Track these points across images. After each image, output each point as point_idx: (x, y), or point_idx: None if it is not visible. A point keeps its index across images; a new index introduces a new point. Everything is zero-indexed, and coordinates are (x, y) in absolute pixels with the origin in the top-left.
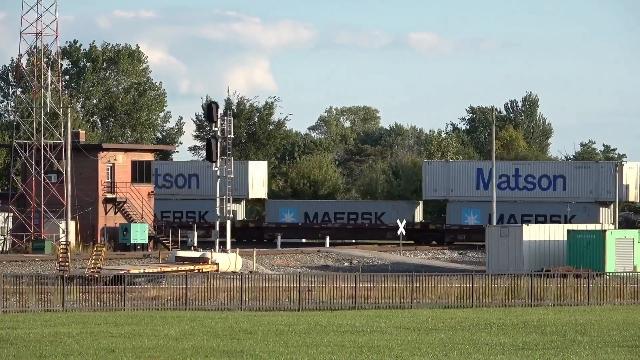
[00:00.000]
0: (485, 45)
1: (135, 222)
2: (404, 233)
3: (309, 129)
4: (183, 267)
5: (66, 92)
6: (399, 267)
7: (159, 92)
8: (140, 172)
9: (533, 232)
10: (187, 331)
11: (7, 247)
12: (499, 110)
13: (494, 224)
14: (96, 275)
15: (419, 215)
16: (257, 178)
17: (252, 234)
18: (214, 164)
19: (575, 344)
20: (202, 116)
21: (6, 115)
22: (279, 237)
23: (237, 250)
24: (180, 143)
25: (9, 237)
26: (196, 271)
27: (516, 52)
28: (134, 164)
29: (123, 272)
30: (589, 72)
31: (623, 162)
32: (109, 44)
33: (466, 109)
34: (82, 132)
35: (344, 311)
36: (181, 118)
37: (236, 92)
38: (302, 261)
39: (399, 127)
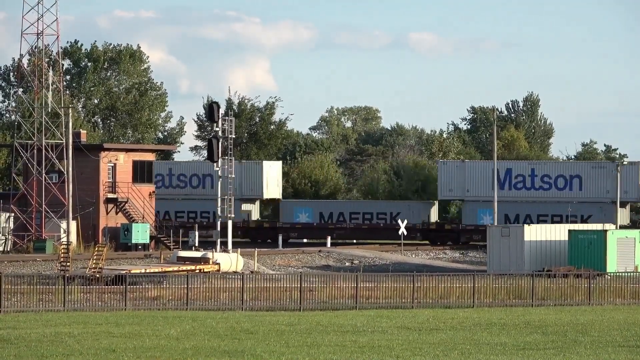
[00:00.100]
0: (485, 45)
1: (137, 222)
2: (405, 233)
3: (310, 129)
4: (184, 267)
5: (67, 92)
6: (400, 267)
7: (160, 92)
8: (141, 172)
9: (534, 232)
10: (188, 331)
11: (8, 247)
12: (500, 110)
13: (495, 223)
14: (97, 275)
15: (434, 216)
16: (272, 178)
17: (266, 234)
18: (214, 164)
19: (576, 344)
20: (203, 116)
21: (7, 115)
22: (280, 237)
23: (239, 250)
24: (182, 143)
25: (10, 237)
26: (197, 271)
27: (516, 52)
28: (135, 164)
29: (124, 272)
30: (589, 72)
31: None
32: (110, 44)
33: (467, 109)
34: (83, 132)
35: (345, 311)
36: (182, 118)
37: (237, 92)
38: (304, 261)
39: (400, 127)
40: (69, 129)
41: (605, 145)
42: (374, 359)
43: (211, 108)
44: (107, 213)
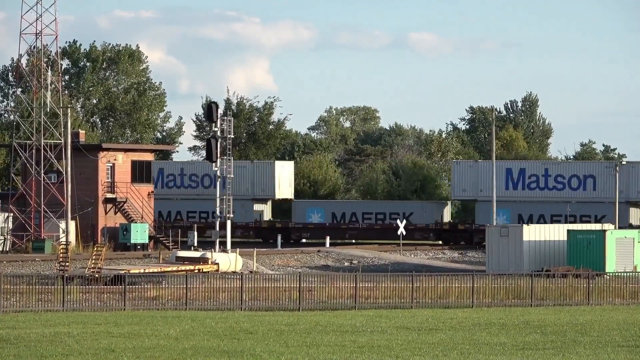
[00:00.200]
0: (485, 45)
1: (136, 222)
2: (404, 233)
3: (308, 129)
4: (183, 267)
5: (66, 92)
6: (399, 267)
7: (158, 92)
8: (140, 172)
9: (533, 232)
10: (188, 331)
11: (7, 247)
12: (498, 110)
13: (493, 223)
14: (96, 275)
15: (447, 216)
16: (284, 178)
17: (278, 235)
18: (214, 164)
19: (575, 344)
20: (202, 116)
21: (6, 115)
22: (279, 237)
23: (237, 250)
24: (180, 143)
25: (9, 237)
26: (196, 271)
27: (516, 52)
28: (134, 164)
29: (123, 272)
30: (588, 72)
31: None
32: (109, 44)
33: (466, 109)
34: (82, 132)
35: (344, 311)
36: (181, 118)
37: (236, 92)
38: (302, 261)
39: (398, 127)
40: (67, 129)
41: (604, 145)
42: (373, 359)
43: (210, 108)
44: (106, 213)
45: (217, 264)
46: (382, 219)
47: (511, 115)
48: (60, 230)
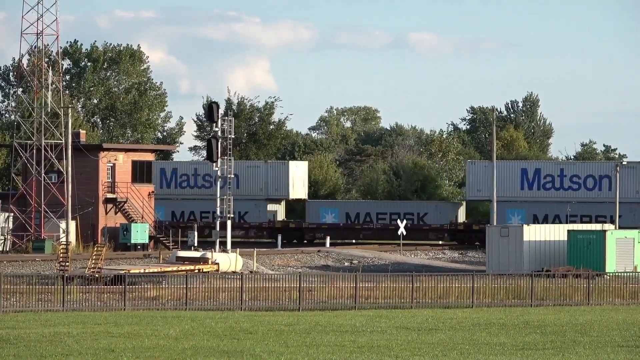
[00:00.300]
0: (485, 45)
1: (136, 222)
2: (404, 233)
3: (309, 129)
4: (183, 267)
5: (67, 92)
6: (399, 267)
7: (159, 92)
8: (140, 172)
9: (533, 232)
10: (188, 331)
11: (7, 247)
12: (499, 110)
13: (494, 224)
14: (96, 275)
15: (462, 216)
16: (298, 178)
17: (292, 235)
18: (214, 164)
19: (575, 344)
20: (203, 116)
21: (7, 115)
22: (279, 237)
23: (238, 250)
24: (181, 143)
25: (9, 237)
26: (196, 271)
27: (516, 52)
28: (135, 164)
29: (123, 272)
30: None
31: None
32: (110, 44)
33: (467, 109)
34: (82, 132)
35: (344, 311)
36: (182, 118)
37: (236, 92)
38: (303, 261)
39: (399, 127)
40: (68, 129)
41: (604, 145)
42: (373, 359)
43: (210, 108)
44: (106, 213)
45: (217, 264)
46: (396, 220)
47: (512, 115)
48: (61, 230)
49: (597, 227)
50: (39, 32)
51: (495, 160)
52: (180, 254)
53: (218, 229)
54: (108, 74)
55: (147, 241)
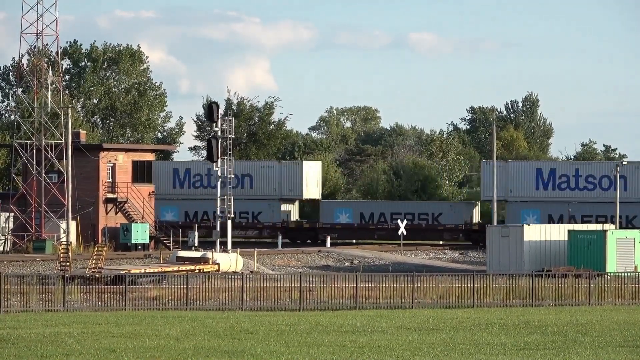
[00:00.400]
0: (485, 45)
1: (136, 222)
2: (405, 233)
3: (309, 129)
4: (184, 267)
5: (67, 92)
6: (400, 267)
7: (159, 92)
8: (140, 172)
9: (534, 232)
10: (188, 331)
11: (8, 247)
12: (499, 110)
13: (495, 224)
14: (97, 275)
15: (476, 216)
16: (312, 178)
17: (306, 235)
18: (214, 164)
19: (576, 344)
20: (203, 116)
21: (7, 115)
22: (279, 237)
23: (238, 250)
24: (181, 143)
25: (9, 237)
26: (197, 271)
27: (516, 52)
28: (135, 164)
29: (124, 272)
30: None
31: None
32: (110, 44)
33: (467, 109)
34: (82, 132)
35: (345, 311)
36: (181, 118)
37: (237, 92)
38: (303, 261)
39: (399, 127)
40: (68, 129)
41: (604, 145)
42: (374, 359)
43: (210, 108)
44: (107, 213)
45: (218, 264)
46: (410, 220)
47: (512, 115)
48: (61, 230)
49: (597, 227)
50: (38, 32)
51: (510, 160)
52: (180, 254)
53: (218, 228)
54: (108, 74)
55: (147, 241)
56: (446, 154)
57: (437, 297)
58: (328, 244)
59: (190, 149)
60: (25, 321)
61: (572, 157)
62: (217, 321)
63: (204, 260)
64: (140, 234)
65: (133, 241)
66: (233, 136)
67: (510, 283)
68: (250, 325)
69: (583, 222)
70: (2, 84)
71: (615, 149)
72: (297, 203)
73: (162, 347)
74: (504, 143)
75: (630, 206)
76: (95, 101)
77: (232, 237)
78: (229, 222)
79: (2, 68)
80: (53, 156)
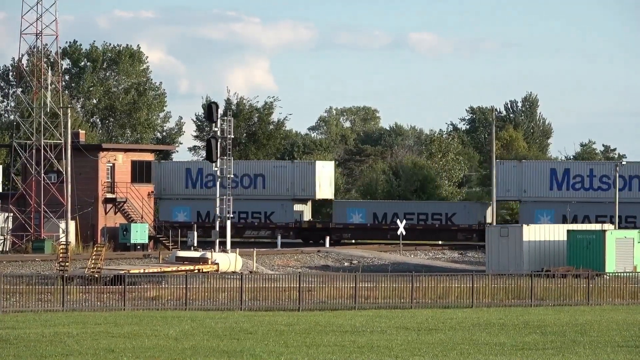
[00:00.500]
0: (485, 45)
1: (135, 222)
2: (404, 233)
3: (308, 129)
4: (183, 267)
5: (66, 92)
6: (399, 267)
7: (158, 92)
8: (140, 172)
9: (533, 232)
10: (187, 331)
11: (7, 247)
12: (498, 110)
13: (494, 223)
14: (96, 275)
15: (490, 216)
16: (325, 178)
17: (319, 235)
18: (214, 164)
19: (575, 344)
20: (202, 116)
21: (6, 115)
22: (279, 237)
23: (237, 250)
24: (181, 143)
25: (9, 237)
26: (196, 271)
27: (516, 52)
28: (134, 164)
29: (123, 272)
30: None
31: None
32: (110, 44)
33: (466, 109)
34: (82, 132)
35: (344, 311)
36: (181, 118)
37: (236, 92)
38: (302, 261)
39: (399, 127)
40: (67, 129)
41: (603, 145)
42: (373, 359)
43: (210, 108)
44: (106, 213)
45: (217, 264)
46: (424, 220)
47: (511, 115)
48: (60, 230)
49: (596, 227)
50: (38, 32)
51: (525, 160)
52: (179, 254)
53: (217, 229)
54: (107, 74)
55: (146, 241)
56: (446, 154)
57: (436, 297)
58: (327, 244)
59: (190, 149)
60: (24, 321)
61: (572, 157)
62: (216, 321)
63: (203, 260)
64: (140, 234)
65: (132, 241)
66: (232, 136)
67: (509, 283)
68: (249, 325)
69: (597, 222)
70: (2, 84)
71: (615, 149)
72: (309, 203)
73: (161, 347)
74: (504, 143)
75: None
76: (94, 101)
77: (245, 237)
78: (228, 222)
79: (1, 68)
80: (52, 156)
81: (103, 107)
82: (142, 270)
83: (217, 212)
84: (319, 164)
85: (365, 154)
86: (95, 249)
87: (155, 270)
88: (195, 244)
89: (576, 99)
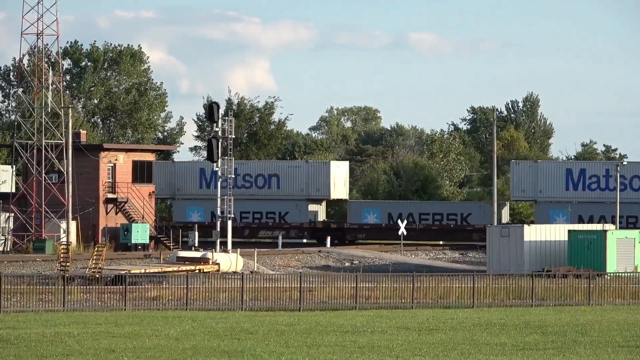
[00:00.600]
0: (485, 45)
1: (136, 222)
2: (405, 233)
3: (309, 129)
4: (184, 267)
5: (67, 92)
6: (400, 267)
7: (159, 92)
8: (141, 172)
9: (534, 233)
10: (188, 331)
11: (8, 247)
12: (499, 110)
13: (497, 223)
14: (97, 276)
15: (505, 216)
16: (339, 178)
17: (334, 235)
18: (214, 164)
19: (576, 344)
20: (203, 116)
21: (7, 115)
22: (280, 236)
23: (238, 250)
24: (181, 143)
25: (10, 237)
26: (197, 271)
27: (516, 52)
28: (135, 164)
29: (124, 272)
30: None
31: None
32: (111, 44)
33: (467, 109)
34: (83, 132)
35: (345, 311)
36: (182, 118)
37: (237, 92)
38: (303, 261)
39: (399, 127)
40: (68, 129)
41: (604, 145)
42: (374, 359)
43: (211, 108)
44: (107, 213)
45: (218, 264)
46: (439, 220)
47: (512, 115)
48: (61, 231)
49: (597, 227)
50: (39, 32)
51: (540, 160)
52: (180, 254)
53: (218, 228)
54: (108, 74)
55: (147, 241)
56: (447, 154)
57: (437, 297)
58: (328, 244)
59: (191, 149)
60: (25, 321)
61: (573, 157)
62: (217, 321)
63: (204, 260)
64: (141, 234)
65: (133, 241)
66: (233, 136)
67: (510, 283)
68: (250, 325)
69: (613, 222)
70: (3, 84)
71: (615, 149)
72: (324, 203)
73: (162, 347)
74: (505, 143)
75: None
76: (95, 101)
77: (259, 237)
78: (229, 222)
79: (2, 68)
80: (53, 156)
81: (104, 107)
82: (143, 271)
83: (218, 212)
84: (334, 164)
85: (366, 154)
86: (96, 249)
87: (156, 270)
88: (197, 244)
89: (577, 99)
